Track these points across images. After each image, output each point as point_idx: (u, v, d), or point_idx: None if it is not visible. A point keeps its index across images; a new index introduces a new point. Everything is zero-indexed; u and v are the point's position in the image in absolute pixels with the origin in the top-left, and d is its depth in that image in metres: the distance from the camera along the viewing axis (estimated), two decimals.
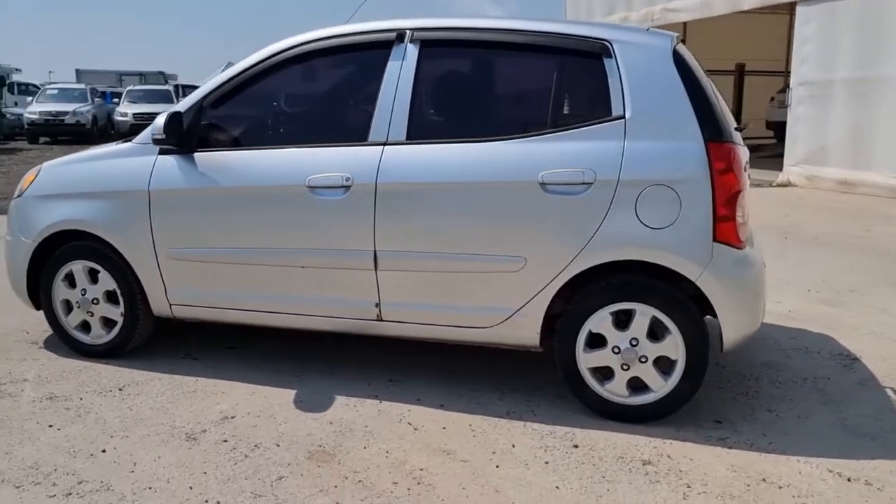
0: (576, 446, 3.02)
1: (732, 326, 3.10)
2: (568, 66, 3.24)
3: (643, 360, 3.16)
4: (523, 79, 3.40)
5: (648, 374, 3.18)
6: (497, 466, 2.86)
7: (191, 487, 2.68)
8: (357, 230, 3.36)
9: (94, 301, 3.87)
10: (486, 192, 3.20)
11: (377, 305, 3.43)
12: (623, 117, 3.10)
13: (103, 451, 2.94)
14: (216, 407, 3.37)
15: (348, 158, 3.37)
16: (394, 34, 3.41)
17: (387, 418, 3.26)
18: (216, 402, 3.41)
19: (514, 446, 3.02)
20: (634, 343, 3.16)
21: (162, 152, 3.64)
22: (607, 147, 3.09)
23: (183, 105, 3.65)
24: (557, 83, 3.26)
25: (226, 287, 3.64)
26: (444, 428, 3.18)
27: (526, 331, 3.28)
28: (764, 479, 2.76)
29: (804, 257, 6.54)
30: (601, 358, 3.21)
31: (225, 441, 3.04)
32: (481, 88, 3.55)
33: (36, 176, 3.99)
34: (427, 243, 3.30)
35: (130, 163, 3.72)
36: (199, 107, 3.62)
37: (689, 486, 2.72)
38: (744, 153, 3.21)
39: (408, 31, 3.41)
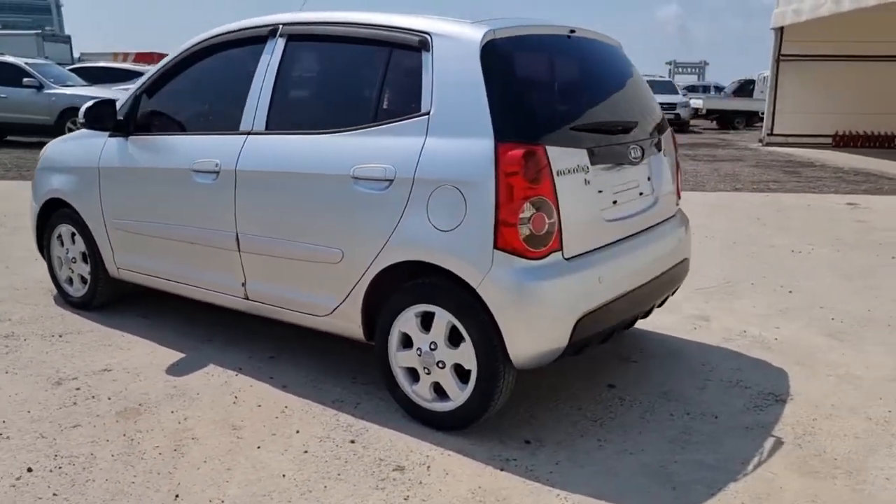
0: (352, 441, 3.03)
1: (518, 342, 2.87)
2: (393, 59, 3.17)
3: (441, 365, 3.06)
4: (357, 72, 3.37)
5: (447, 380, 3.07)
6: (259, 447, 2.97)
7: (4, 421, 3.16)
8: (224, 212, 3.61)
9: (73, 260, 4.56)
10: (312, 183, 3.28)
11: (243, 285, 3.67)
12: (428, 114, 3.00)
13: None
14: (108, 360, 3.84)
15: (221, 146, 3.63)
16: (267, 29, 3.59)
17: (224, 390, 3.49)
18: (112, 356, 3.89)
19: (297, 432, 3.10)
20: (433, 347, 3.06)
21: (111, 135, 4.17)
22: (410, 144, 3.01)
23: (125, 94, 4.16)
24: (382, 77, 3.20)
25: (147, 257, 4.11)
26: (258, 406, 3.34)
27: (351, 323, 3.31)
28: None
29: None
30: (408, 358, 3.15)
31: (77, 389, 3.49)
32: (323, 81, 3.58)
33: (44, 152, 4.76)
34: (270, 229, 3.46)
35: (91, 143, 4.31)
36: (135, 96, 4.09)
37: (406, 500, 2.63)
38: (562, 155, 2.90)
39: (280, 26, 3.56)
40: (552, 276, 2.86)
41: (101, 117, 3.99)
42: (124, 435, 3.06)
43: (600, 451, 2.98)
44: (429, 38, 3.04)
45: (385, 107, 3.17)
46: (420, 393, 3.15)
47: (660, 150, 3.66)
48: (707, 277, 5.50)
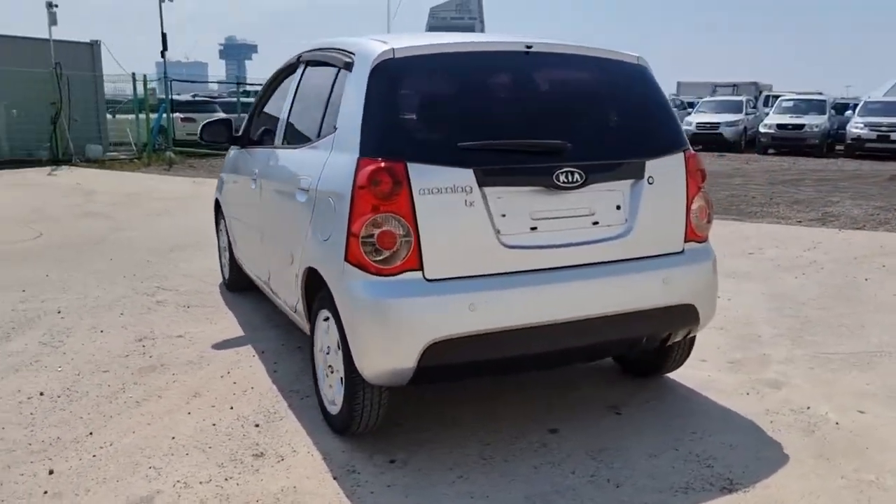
0: (256, 425, 3.32)
1: (361, 355, 2.86)
2: (337, 78, 3.33)
3: (331, 369, 3.20)
4: (318, 92, 3.55)
5: (334, 384, 3.19)
6: (189, 413, 3.44)
7: (92, 357, 4.15)
8: (258, 213, 4.22)
9: (224, 249, 5.59)
10: (282, 191, 3.66)
11: (267, 281, 4.21)
12: (336, 130, 3.16)
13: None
14: (190, 329, 4.68)
15: (260, 158, 4.23)
16: (297, 56, 4.07)
17: (228, 367, 4.04)
18: (197, 327, 4.73)
19: (231, 408, 3.50)
20: (328, 350, 3.22)
21: (237, 147, 5.05)
22: (321, 158, 3.21)
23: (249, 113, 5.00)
24: (328, 95, 3.39)
25: (245, 249, 4.88)
26: (234, 383, 3.81)
27: (303, 319, 3.59)
28: None
29: None
30: (318, 360, 3.35)
31: (143, 346, 4.36)
32: (305, 101, 3.84)
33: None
34: (263, 231, 3.96)
35: (229, 154, 5.27)
36: (251, 114, 4.90)
37: (226, 480, 2.86)
38: (431, 174, 2.80)
39: (302, 54, 4.02)
40: (400, 295, 2.80)
41: (216, 133, 4.87)
42: (124, 383, 3.80)
43: (448, 486, 2.81)
44: (353, 58, 3.20)
45: (324, 123, 3.41)
46: (324, 392, 3.32)
47: (641, 178, 3.19)
48: (844, 340, 4.42)
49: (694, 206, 3.35)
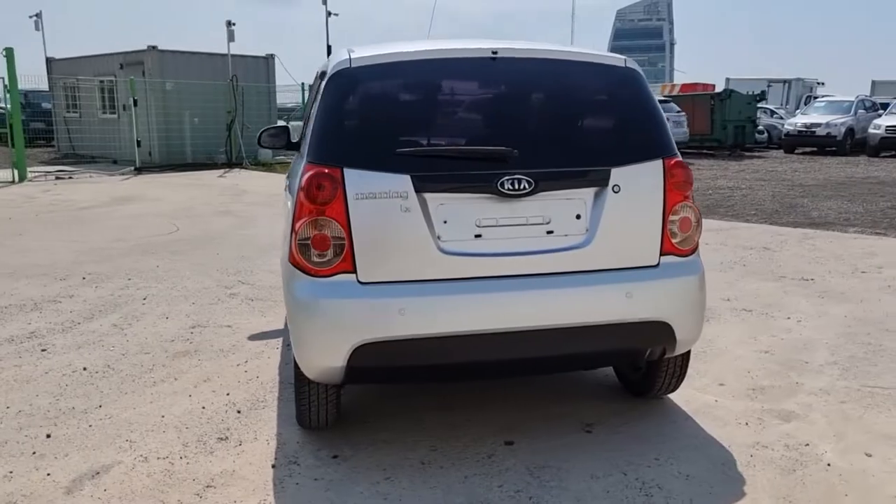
0: (238, 412, 3.56)
1: (297, 351, 2.98)
2: (319, 87, 3.48)
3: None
4: (313, 101, 3.69)
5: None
6: (190, 395, 3.76)
7: (169, 341, 4.65)
8: None
9: None
10: (286, 199, 3.89)
11: None
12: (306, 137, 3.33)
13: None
14: (240, 321, 5.06)
15: (295, 165, 4.48)
16: (322, 70, 4.26)
17: (251, 355, 4.34)
18: (247, 319, 5.10)
19: (227, 394, 3.77)
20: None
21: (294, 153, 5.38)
22: (299, 164, 3.38)
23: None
24: (313, 104, 3.53)
25: None
26: (245, 371, 4.09)
27: None
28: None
29: None
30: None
31: (192, 333, 4.79)
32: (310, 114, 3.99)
33: None
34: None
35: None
36: (304, 120, 5.20)
37: (181, 458, 3.11)
38: (366, 179, 2.87)
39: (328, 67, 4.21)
40: (331, 296, 2.89)
41: (274, 139, 5.20)
42: (154, 364, 4.21)
43: (370, 485, 2.87)
44: (327, 67, 3.34)
45: (306, 130, 3.56)
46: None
47: (605, 186, 3.04)
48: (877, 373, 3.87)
49: (673, 218, 3.14)
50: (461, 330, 2.90)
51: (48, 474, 2.97)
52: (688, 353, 3.46)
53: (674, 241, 3.15)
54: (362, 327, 2.87)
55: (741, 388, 3.79)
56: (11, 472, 2.98)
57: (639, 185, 3.10)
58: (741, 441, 3.20)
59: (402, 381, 3.44)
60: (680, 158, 3.21)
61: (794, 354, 4.27)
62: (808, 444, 3.16)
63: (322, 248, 2.89)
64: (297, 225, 2.91)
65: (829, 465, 2.99)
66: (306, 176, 2.91)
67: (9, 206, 10.85)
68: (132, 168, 16.47)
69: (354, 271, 2.90)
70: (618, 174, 3.06)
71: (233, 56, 18.21)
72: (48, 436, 3.31)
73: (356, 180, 2.88)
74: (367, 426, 3.38)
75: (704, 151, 21.36)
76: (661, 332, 3.09)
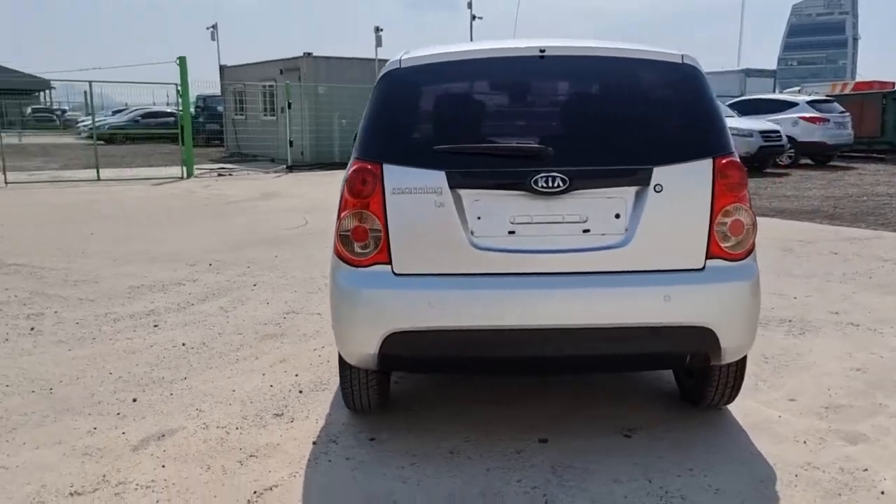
0: (300, 392, 3.80)
1: (338, 337, 3.13)
2: None
3: None
4: None
5: None
6: (252, 370, 4.06)
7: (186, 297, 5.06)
8: None
9: None
10: None
11: None
12: None
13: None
14: (292, 297, 5.35)
15: None
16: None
17: (307, 333, 4.59)
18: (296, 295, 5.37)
19: (297, 375, 4.03)
20: None
21: None
22: None
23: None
24: None
25: None
26: (298, 351, 4.34)
27: None
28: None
29: None
30: None
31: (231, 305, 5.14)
32: None
33: None
34: None
35: None
36: None
37: (238, 429, 3.38)
38: (403, 175, 2.97)
39: None
40: (367, 286, 3.03)
41: None
42: (242, 344, 4.57)
43: (395, 469, 2.99)
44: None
45: None
46: None
47: (646, 185, 2.97)
48: None
49: (723, 220, 3.01)
50: (489, 324, 2.95)
51: (123, 433, 3.34)
52: (742, 364, 3.29)
53: (723, 244, 3.01)
54: (393, 316, 2.99)
55: (813, 406, 3.53)
56: (95, 429, 3.38)
57: (684, 184, 3.01)
58: (792, 460, 3.01)
59: (434, 371, 3.54)
60: (734, 158, 3.06)
61: (890, 374, 3.91)
62: (866, 469, 2.91)
63: (361, 240, 3.04)
64: (341, 217, 3.08)
65: (882, 492, 2.74)
66: (350, 171, 3.08)
67: (171, 199, 12.02)
68: (284, 166, 17.62)
69: (390, 262, 3.03)
70: (661, 173, 2.98)
71: (380, 60, 19.00)
72: (134, 400, 3.71)
73: (394, 175, 3.01)
74: (411, 413, 3.51)
75: (873, 155, 19.55)
76: (703, 338, 2.97)
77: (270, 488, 2.86)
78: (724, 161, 3.02)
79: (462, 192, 2.99)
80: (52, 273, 6.56)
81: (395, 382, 3.89)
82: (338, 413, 3.53)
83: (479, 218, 3.00)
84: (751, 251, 3.09)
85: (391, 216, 3.00)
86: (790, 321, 4.89)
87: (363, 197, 3.03)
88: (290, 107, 17.60)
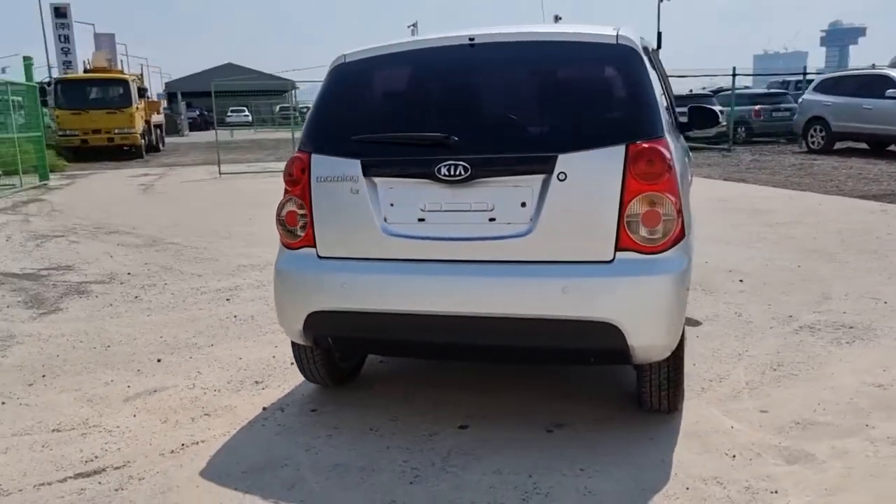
0: (292, 363, 4.13)
1: (277, 314, 3.38)
2: None
3: None
4: None
5: None
6: (246, 347, 4.45)
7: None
8: None
9: None
10: None
11: None
12: None
13: None
14: None
15: None
16: None
17: None
18: None
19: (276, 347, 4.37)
20: None
21: None
22: None
23: None
24: None
25: None
26: None
27: None
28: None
29: None
30: None
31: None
32: None
33: None
34: None
35: None
36: None
37: (194, 387, 3.80)
38: (325, 164, 3.16)
39: None
40: (294, 268, 3.27)
41: None
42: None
43: (315, 439, 3.20)
44: None
45: None
46: None
47: (550, 174, 2.88)
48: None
49: (633, 210, 2.84)
50: (398, 309, 3.05)
51: (128, 386, 3.90)
52: (676, 367, 3.07)
53: (635, 235, 2.85)
54: (314, 297, 3.21)
55: (783, 420, 3.17)
56: (111, 381, 3.98)
57: (590, 173, 2.89)
58: (699, 473, 2.76)
59: (356, 351, 3.66)
60: (653, 145, 2.87)
61: None
62: (775, 492, 2.60)
63: (292, 224, 3.29)
64: (279, 204, 3.35)
65: None
66: (288, 161, 3.34)
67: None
68: None
69: (315, 246, 3.24)
70: (565, 161, 2.89)
71: None
72: (158, 360, 4.28)
73: (320, 165, 3.21)
74: (373, 392, 3.68)
75: None
76: (607, 334, 2.84)
77: (197, 442, 3.21)
78: (638, 147, 2.85)
79: (377, 180, 3.12)
80: (190, 251, 7.56)
81: (381, 362, 4.09)
82: (308, 386, 3.81)
83: (392, 205, 3.11)
84: (673, 244, 2.87)
85: (315, 202, 3.21)
86: (851, 328, 4.32)
87: (294, 184, 3.27)
88: None
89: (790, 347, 4.05)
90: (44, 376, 4.08)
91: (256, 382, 3.89)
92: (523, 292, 2.92)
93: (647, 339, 2.86)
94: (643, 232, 2.85)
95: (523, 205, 2.94)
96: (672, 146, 3.04)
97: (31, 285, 6.28)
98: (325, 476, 2.87)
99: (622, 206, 2.85)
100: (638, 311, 2.85)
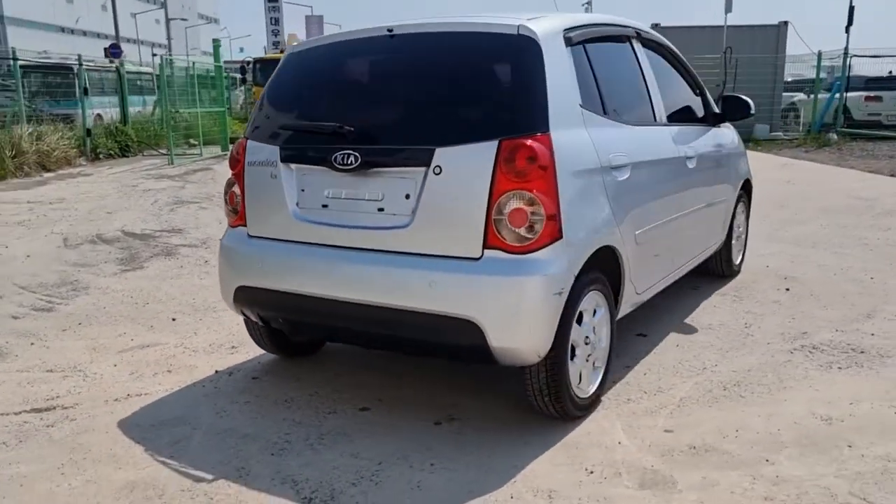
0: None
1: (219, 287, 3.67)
2: None
3: None
4: None
5: None
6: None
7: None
8: None
9: None
10: None
11: None
12: None
13: None
14: None
15: None
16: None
17: None
18: None
19: None
20: None
21: None
22: None
23: None
24: None
25: None
26: None
27: None
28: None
29: None
30: None
31: None
32: None
33: None
34: None
35: None
36: None
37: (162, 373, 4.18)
38: (256, 149, 3.37)
39: None
40: (230, 244, 3.52)
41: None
42: None
43: (230, 404, 3.47)
44: None
45: None
46: None
47: (428, 167, 2.88)
48: None
49: (500, 208, 2.78)
50: (299, 290, 3.21)
51: (132, 340, 4.40)
52: (554, 375, 2.95)
53: (501, 234, 2.79)
54: (240, 273, 3.46)
55: (679, 443, 2.92)
56: (123, 334, 4.51)
57: (463, 167, 2.86)
58: (538, 484, 2.66)
59: (279, 327, 3.82)
60: (528, 141, 2.77)
61: (854, 435, 2.94)
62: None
63: (231, 204, 3.56)
64: (226, 183, 3.63)
65: None
66: (232, 146, 3.60)
67: None
68: None
69: (246, 225, 3.49)
70: (441, 154, 2.89)
71: (735, 27, 17.51)
72: (173, 319, 4.78)
73: (251, 150, 3.45)
74: (321, 367, 3.87)
75: None
76: (469, 332, 2.82)
77: (141, 394, 3.60)
78: (511, 143, 2.77)
79: (292, 166, 3.29)
80: None
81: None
82: (268, 357, 4.06)
83: (303, 191, 3.26)
84: (545, 245, 2.77)
85: (247, 185, 3.45)
86: (862, 352, 3.81)
87: (234, 166, 3.52)
88: None
89: (766, 367, 3.66)
90: (79, 324, 4.72)
91: (232, 347, 4.23)
92: (396, 283, 2.96)
93: (508, 341, 2.79)
94: (510, 231, 2.77)
95: (407, 197, 2.97)
96: (569, 142, 2.91)
97: (138, 244, 7.14)
98: (209, 438, 3.12)
99: (490, 203, 2.79)
100: (497, 312, 2.78)
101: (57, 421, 3.32)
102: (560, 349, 2.92)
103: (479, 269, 2.81)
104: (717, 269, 5.24)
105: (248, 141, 3.46)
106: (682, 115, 4.37)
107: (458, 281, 2.83)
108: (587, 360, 3.16)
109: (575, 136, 2.99)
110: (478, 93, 2.99)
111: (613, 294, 3.37)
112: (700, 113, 4.67)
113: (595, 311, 3.21)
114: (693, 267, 4.54)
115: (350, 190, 3.12)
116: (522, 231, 2.76)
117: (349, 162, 3.05)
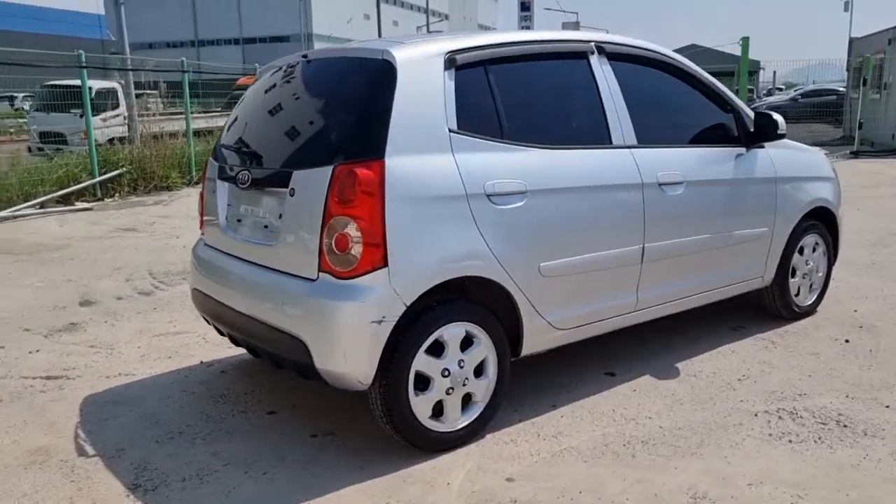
0: None
1: None
2: None
3: None
4: None
5: None
6: None
7: None
8: None
9: None
10: None
11: None
12: None
13: None
14: None
15: None
16: None
17: None
18: None
19: None
20: None
21: None
22: None
23: None
24: None
25: None
26: None
27: None
28: None
29: None
30: None
31: None
32: None
33: None
34: None
35: None
36: None
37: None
38: (210, 165, 3.70)
39: None
40: (193, 250, 3.91)
41: None
42: None
43: (171, 386, 3.86)
44: None
45: None
46: None
47: (286, 188, 2.99)
48: None
49: (328, 233, 2.84)
50: (214, 296, 3.51)
51: (174, 327, 5.01)
52: (387, 401, 2.89)
53: (328, 258, 2.85)
54: (194, 277, 3.86)
55: (505, 495, 2.69)
56: (172, 321, 5.15)
57: (309, 191, 2.97)
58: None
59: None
60: (355, 167, 2.77)
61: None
62: None
63: (200, 213, 3.96)
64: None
65: None
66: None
67: None
68: (848, 152, 15.40)
69: (203, 232, 3.87)
70: (296, 177, 3.03)
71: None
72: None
73: (210, 165, 3.82)
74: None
75: None
76: (301, 351, 2.91)
77: (127, 374, 4.13)
78: (342, 168, 2.81)
79: (224, 182, 3.58)
80: None
81: None
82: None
83: (229, 205, 3.56)
84: (366, 272, 2.76)
85: (205, 197, 3.82)
86: (845, 427, 3.12)
87: (202, 182, 3.92)
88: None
89: (703, 427, 3.17)
90: (154, 309, 5.47)
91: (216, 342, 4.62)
92: (262, 297, 3.13)
93: (330, 364, 2.82)
94: (335, 255, 2.80)
95: (280, 216, 3.11)
96: (415, 168, 2.83)
97: None
98: (130, 420, 3.52)
99: (322, 227, 2.84)
100: (318, 334, 2.84)
101: (50, 389, 3.96)
102: (393, 379, 2.85)
103: (312, 291, 2.87)
104: (772, 309, 4.53)
105: (210, 158, 3.82)
106: (679, 135, 3.89)
107: (296, 300, 2.92)
108: (448, 394, 3.02)
109: (428, 161, 2.89)
110: (332, 118, 3.03)
111: (514, 327, 3.17)
112: (729, 133, 4.09)
113: (472, 342, 3.06)
114: (701, 303, 4.03)
115: (250, 207, 3.34)
116: (347, 256, 2.77)
117: (245, 181, 3.27)
